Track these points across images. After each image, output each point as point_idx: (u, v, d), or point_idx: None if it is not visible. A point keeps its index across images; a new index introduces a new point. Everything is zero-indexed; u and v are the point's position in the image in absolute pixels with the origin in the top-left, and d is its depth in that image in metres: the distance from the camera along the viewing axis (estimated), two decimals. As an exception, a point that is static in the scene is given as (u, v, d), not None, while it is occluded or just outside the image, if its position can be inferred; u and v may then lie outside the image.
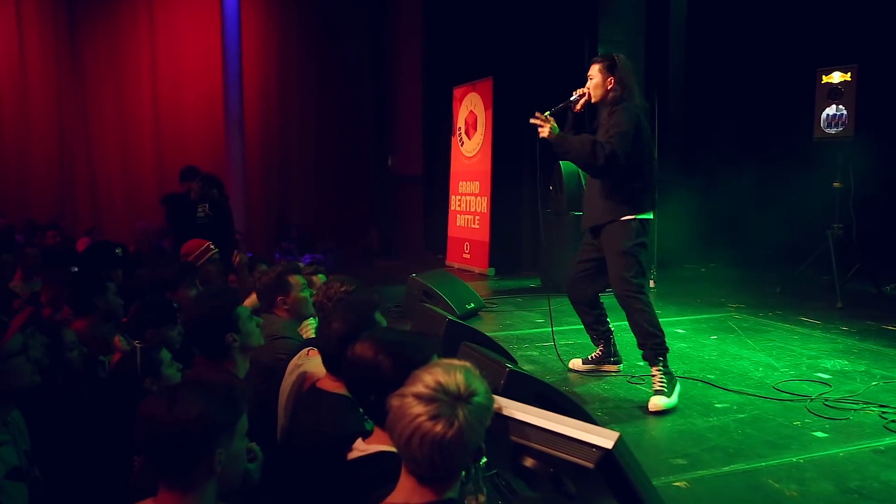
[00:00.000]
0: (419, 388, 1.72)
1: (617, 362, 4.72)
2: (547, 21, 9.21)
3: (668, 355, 4.13)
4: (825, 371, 4.53)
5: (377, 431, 2.20)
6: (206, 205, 7.59)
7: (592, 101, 4.33)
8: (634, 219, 4.23)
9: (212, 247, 5.73)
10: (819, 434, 3.53)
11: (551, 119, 4.15)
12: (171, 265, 5.07)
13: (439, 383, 1.72)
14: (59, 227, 8.97)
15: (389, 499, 1.76)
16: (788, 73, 8.16)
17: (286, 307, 4.24)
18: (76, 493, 2.88)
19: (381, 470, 2.06)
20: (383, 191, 13.94)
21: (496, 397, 2.25)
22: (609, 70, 4.25)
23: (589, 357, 4.76)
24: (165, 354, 3.26)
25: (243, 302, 3.52)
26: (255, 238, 12.72)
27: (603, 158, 4.03)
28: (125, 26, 12.71)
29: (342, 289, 3.52)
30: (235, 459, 1.91)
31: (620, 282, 4.21)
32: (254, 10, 13.20)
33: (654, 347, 4.12)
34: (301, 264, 5.00)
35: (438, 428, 1.66)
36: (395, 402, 1.73)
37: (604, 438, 1.96)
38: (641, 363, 4.38)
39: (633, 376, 4.56)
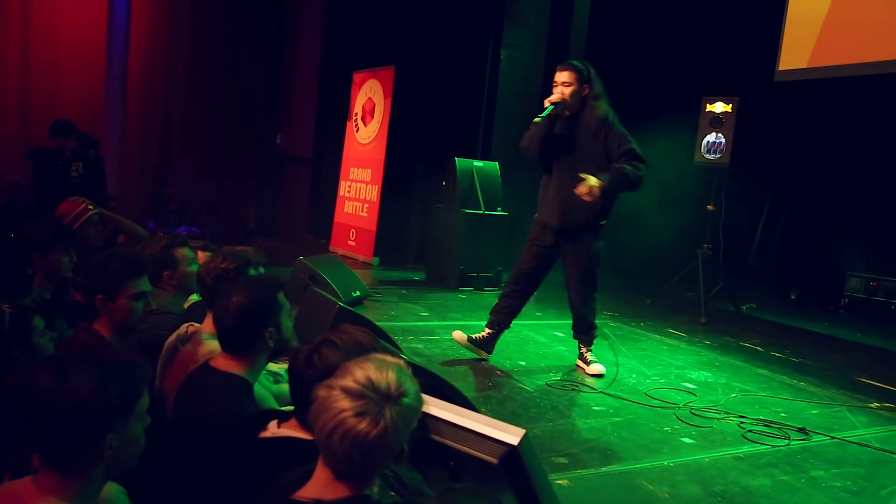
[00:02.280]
0: (348, 381, 1.66)
1: (490, 352, 4.93)
2: (453, 17, 9.29)
3: (548, 353, 4.51)
4: (691, 381, 4.80)
5: (293, 419, 2.17)
6: (80, 164, 7.22)
7: (570, 110, 4.58)
8: (603, 224, 4.74)
9: (90, 207, 5.44)
10: (686, 440, 3.74)
11: (592, 178, 4.38)
12: (42, 225, 4.79)
13: (370, 380, 1.67)
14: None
15: (302, 491, 1.71)
16: (677, 97, 8.55)
17: (172, 282, 4.10)
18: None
19: (290, 453, 2.05)
20: (269, 169, 13.63)
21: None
22: (583, 78, 4.56)
23: (474, 336, 4.89)
24: (38, 322, 3.08)
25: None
26: (128, 205, 12.15)
27: (639, 180, 4.52)
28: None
29: (222, 265, 3.32)
30: (132, 443, 1.77)
31: (587, 282, 4.80)
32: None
33: (593, 335, 4.94)
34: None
35: (362, 426, 1.62)
36: (321, 392, 1.67)
37: (510, 435, 2.01)
38: (523, 362, 4.58)
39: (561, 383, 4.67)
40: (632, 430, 3.83)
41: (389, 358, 1.81)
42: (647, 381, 4.76)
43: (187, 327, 3.23)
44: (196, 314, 3.47)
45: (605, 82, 8.69)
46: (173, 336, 3.22)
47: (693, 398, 4.43)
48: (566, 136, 4.61)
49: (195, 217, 12.29)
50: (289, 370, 2.15)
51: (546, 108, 4.53)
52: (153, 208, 12.45)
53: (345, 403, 1.64)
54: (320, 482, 1.71)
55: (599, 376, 4.75)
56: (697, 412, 4.16)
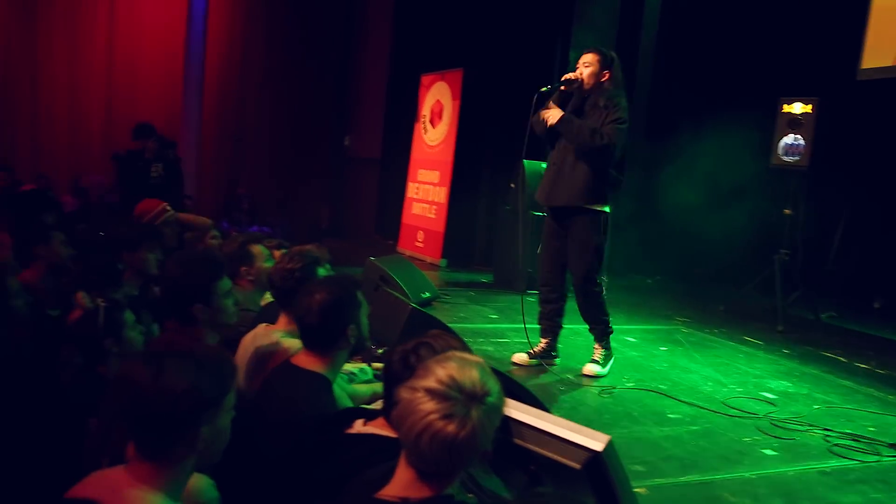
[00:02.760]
0: (431, 382, 1.65)
1: (555, 357, 4.85)
2: (521, 19, 9.24)
3: (619, 358, 4.50)
4: (770, 391, 4.64)
5: (380, 418, 2.18)
6: (161, 165, 7.44)
7: (584, 86, 4.50)
8: (602, 211, 4.53)
9: (168, 208, 5.60)
10: (768, 452, 3.61)
11: (554, 105, 4.46)
12: (127, 224, 4.95)
13: (453, 379, 1.66)
14: (10, 169, 8.63)
15: (386, 490, 1.71)
16: (751, 97, 8.34)
17: (250, 278, 4.21)
18: (20, 448, 2.78)
19: (375, 450, 2.06)
20: (338, 170, 13.81)
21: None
22: (606, 64, 4.48)
23: (533, 351, 4.82)
24: (129, 316, 3.18)
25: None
26: (204, 205, 12.46)
27: (601, 145, 4.31)
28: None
29: (288, 265, 3.35)
30: (219, 435, 1.84)
31: (586, 274, 4.56)
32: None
33: (603, 329, 4.68)
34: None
35: (451, 428, 1.61)
36: (405, 394, 1.67)
37: (594, 441, 1.98)
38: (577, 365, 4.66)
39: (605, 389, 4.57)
40: (710, 439, 3.72)
41: (470, 356, 1.80)
42: (723, 389, 4.62)
43: (264, 327, 3.28)
44: (270, 314, 3.51)
45: (676, 82, 8.58)
46: (250, 335, 3.27)
47: (773, 408, 4.28)
48: (573, 113, 4.54)
49: (266, 217, 12.53)
50: (384, 370, 2.16)
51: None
52: (225, 208, 12.74)
53: (430, 406, 1.63)
54: (403, 482, 1.71)
55: (592, 377, 4.58)
56: (779, 423, 4.01)
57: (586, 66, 4.49)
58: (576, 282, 4.62)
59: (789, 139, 7.18)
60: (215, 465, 2.08)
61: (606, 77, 4.47)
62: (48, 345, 3.59)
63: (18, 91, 12.09)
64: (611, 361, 4.72)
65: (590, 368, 4.62)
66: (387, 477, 1.76)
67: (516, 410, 2.18)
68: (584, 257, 4.55)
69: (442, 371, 1.68)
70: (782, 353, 5.70)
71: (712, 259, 8.81)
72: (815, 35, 7.98)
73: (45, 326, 3.78)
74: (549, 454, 2.07)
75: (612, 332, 4.75)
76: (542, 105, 4.57)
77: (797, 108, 7.14)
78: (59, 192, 9.87)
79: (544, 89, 4.52)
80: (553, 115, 4.44)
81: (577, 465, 2.00)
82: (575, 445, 2.01)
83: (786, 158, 7.19)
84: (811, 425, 4.01)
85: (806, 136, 7.06)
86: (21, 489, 2.51)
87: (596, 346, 4.70)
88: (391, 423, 2.09)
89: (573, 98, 4.57)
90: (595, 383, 4.54)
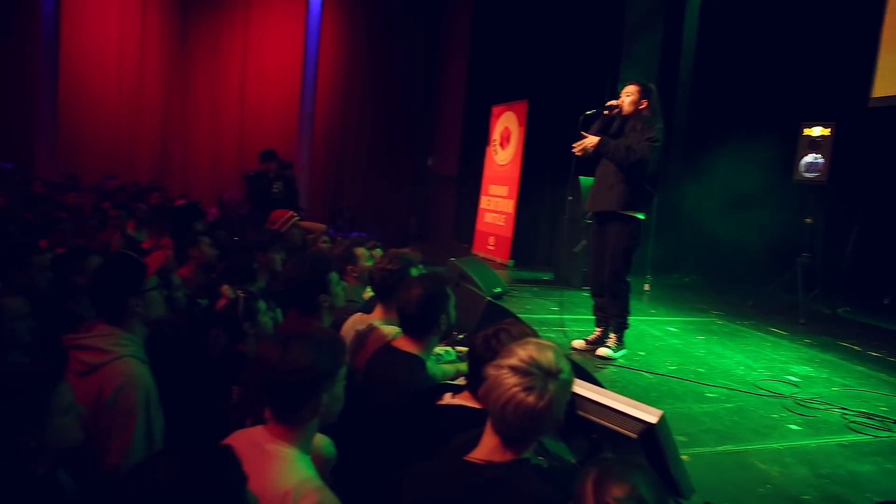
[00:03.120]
0: (514, 361, 1.66)
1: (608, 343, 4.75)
2: (577, 57, 9.15)
3: (662, 345, 4.23)
4: (794, 375, 4.49)
5: (466, 391, 2.21)
6: (281, 182, 7.63)
7: (623, 112, 4.46)
8: (635, 217, 4.46)
9: (294, 215, 5.77)
10: (794, 427, 3.51)
11: (588, 135, 4.47)
12: (259, 231, 5.11)
13: (533, 358, 1.67)
14: (161, 189, 9.02)
15: (474, 453, 1.71)
16: (774, 122, 8.09)
17: (354, 275, 4.27)
18: (178, 410, 2.90)
19: (462, 419, 2.08)
20: (422, 185, 13.93)
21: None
22: (645, 94, 4.42)
23: (589, 337, 4.77)
24: (262, 305, 3.27)
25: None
26: (312, 215, 12.75)
27: (634, 160, 4.28)
28: (225, 29, 12.70)
29: (388, 266, 3.37)
30: (336, 400, 1.87)
31: (614, 271, 4.51)
32: (331, 24, 13.17)
33: (621, 323, 4.61)
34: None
35: (531, 399, 1.62)
36: (491, 371, 1.68)
37: (649, 415, 1.97)
38: (642, 353, 4.46)
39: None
40: (743, 415, 3.63)
41: (544, 341, 1.81)
42: (753, 373, 4.49)
43: (360, 316, 3.33)
44: (371, 306, 3.56)
45: (710, 108, 8.38)
46: (349, 321, 3.33)
47: (797, 390, 4.14)
48: (614, 135, 4.50)
49: (364, 224, 12.71)
50: (468, 352, 2.18)
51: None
52: (331, 217, 12.99)
53: (514, 380, 1.64)
54: (489, 447, 1.70)
55: (604, 358, 4.52)
56: (802, 402, 3.89)
57: (627, 96, 4.45)
58: (606, 279, 4.57)
59: (809, 158, 6.93)
60: (331, 426, 2.15)
61: (644, 105, 4.40)
62: (199, 328, 3.75)
63: (173, 129, 12.67)
64: (623, 351, 4.63)
65: (602, 351, 4.58)
66: (472, 443, 1.77)
67: (581, 387, 2.18)
68: (614, 258, 4.50)
69: (523, 352, 1.69)
70: (804, 343, 5.50)
71: (742, 261, 8.57)
72: (832, 65, 7.68)
73: (196, 313, 3.95)
74: (610, 425, 2.06)
75: (627, 328, 4.66)
76: (587, 126, 4.55)
77: (816, 131, 6.89)
78: (204, 207, 10.27)
79: (589, 112, 4.53)
80: (590, 141, 4.43)
81: (633, 435, 1.99)
82: (632, 418, 2.00)
83: (806, 175, 6.95)
84: (830, 405, 3.88)
85: (825, 155, 6.81)
86: (177, 438, 2.63)
87: (611, 335, 4.63)
88: (476, 397, 2.12)
89: (615, 121, 4.53)
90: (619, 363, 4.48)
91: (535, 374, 1.65)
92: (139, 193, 8.47)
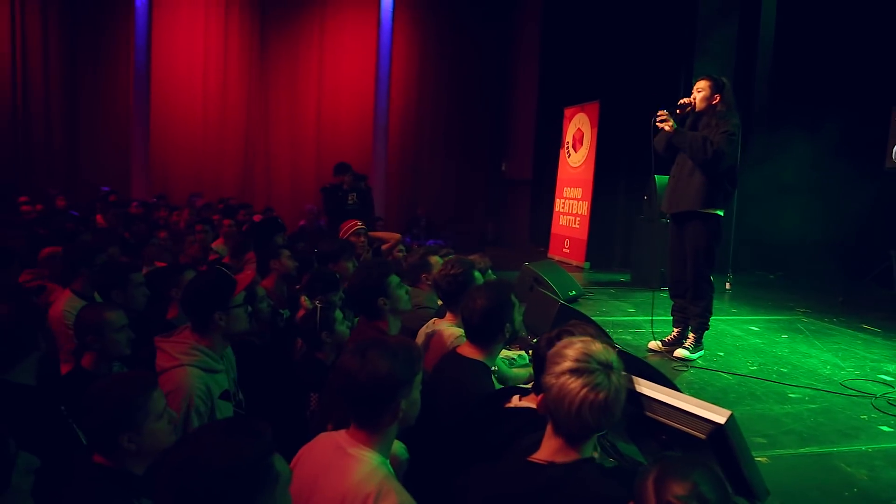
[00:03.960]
0: (570, 363, 1.65)
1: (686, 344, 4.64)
2: (648, 54, 8.99)
3: (743, 345, 4.07)
4: (887, 373, 4.25)
5: (532, 394, 2.24)
6: (355, 194, 7.82)
7: (696, 109, 4.37)
8: (715, 214, 4.35)
9: (358, 223, 5.92)
10: (885, 428, 3.34)
11: (670, 117, 4.32)
12: (331, 241, 5.28)
13: (587, 355, 1.66)
14: (249, 206, 9.45)
15: (537, 454, 1.72)
16: (862, 108, 7.70)
17: (429, 282, 4.34)
18: (262, 414, 3.03)
19: (530, 420, 2.11)
20: (497, 190, 13.97)
21: (630, 375, 2.27)
22: (717, 88, 4.32)
23: (666, 339, 4.69)
24: (338, 314, 3.38)
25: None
26: (390, 224, 13.01)
27: (711, 153, 4.17)
28: (301, 48, 13.20)
29: (451, 271, 3.42)
30: (413, 405, 1.92)
31: (697, 270, 4.41)
32: (403, 36, 13.44)
33: (702, 323, 4.49)
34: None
35: (602, 395, 1.62)
36: (551, 380, 1.67)
37: (717, 415, 1.95)
38: (721, 353, 4.35)
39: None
40: (828, 416, 3.48)
41: (583, 337, 1.80)
42: (841, 372, 4.29)
43: (434, 321, 3.40)
44: (443, 313, 3.63)
45: (791, 99, 8.08)
46: (424, 326, 3.40)
47: (890, 389, 3.93)
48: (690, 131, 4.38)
49: (440, 232, 12.86)
50: (533, 355, 2.22)
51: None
52: (407, 226, 13.21)
53: (578, 383, 1.63)
54: (552, 448, 1.71)
55: (681, 359, 4.41)
56: (895, 402, 3.71)
57: (699, 92, 4.35)
58: (691, 276, 4.47)
59: (903, 144, 6.58)
60: (406, 431, 2.22)
61: (717, 100, 4.30)
62: (282, 337, 3.93)
63: (256, 148, 13.25)
64: (700, 352, 4.51)
65: (680, 352, 4.47)
66: (537, 445, 1.79)
67: (649, 388, 2.18)
68: (696, 259, 4.40)
69: (573, 352, 1.68)
70: (900, 340, 5.23)
71: (831, 256, 8.18)
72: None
73: (278, 323, 4.13)
74: (678, 426, 2.06)
75: (708, 329, 4.55)
76: (657, 131, 4.48)
77: (910, 115, 6.53)
78: (286, 219, 10.69)
79: (659, 120, 4.37)
80: (668, 126, 4.33)
81: (702, 436, 1.98)
82: (700, 419, 1.99)
83: (900, 162, 6.59)
84: (928, 405, 3.68)
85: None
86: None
87: (690, 335, 4.53)
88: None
89: (688, 119, 4.44)
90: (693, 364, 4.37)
91: (596, 369, 1.65)
92: (227, 210, 8.91)
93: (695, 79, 4.55)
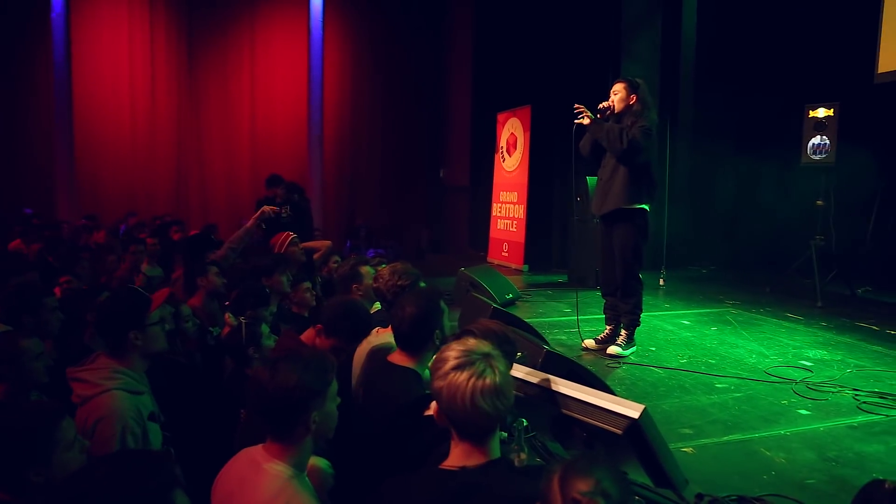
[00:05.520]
0: (452, 362, 1.70)
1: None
2: (577, 59, 9.18)
3: (674, 339, 4.17)
4: (808, 359, 4.47)
5: None
6: (288, 207, 7.70)
7: (615, 111, 4.52)
8: (641, 209, 4.48)
9: (291, 235, 5.85)
10: (803, 412, 3.50)
11: (587, 111, 4.52)
12: (264, 255, 5.19)
13: (466, 350, 1.72)
14: (182, 223, 9.21)
15: (447, 461, 1.74)
16: (779, 106, 8.05)
17: (360, 293, 4.31)
18: (192, 435, 2.98)
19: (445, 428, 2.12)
20: (435, 197, 14.01)
21: (548, 375, 2.31)
22: (633, 89, 4.48)
23: (599, 337, 4.80)
24: (264, 328, 3.36)
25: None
26: (329, 235, 12.89)
27: (626, 142, 4.32)
28: (231, 58, 12.89)
29: (398, 282, 3.40)
30: (328, 418, 1.91)
31: (625, 269, 4.55)
32: (335, 46, 13.33)
33: (633, 320, 4.61)
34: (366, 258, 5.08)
35: (489, 380, 1.67)
36: (439, 384, 1.71)
37: (631, 410, 2.00)
38: (653, 348, 4.47)
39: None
40: (751, 403, 3.63)
41: (471, 340, 1.83)
42: (766, 360, 4.47)
43: (377, 330, 3.38)
44: (376, 321, 3.60)
45: (715, 96, 8.34)
46: (366, 338, 3.37)
47: (809, 374, 4.13)
48: None
49: (380, 240, 12.81)
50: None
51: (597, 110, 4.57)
52: (347, 236, 13.12)
53: (465, 375, 1.68)
54: (461, 453, 1.73)
55: (614, 356, 4.54)
56: (814, 387, 3.87)
57: (615, 94, 4.51)
58: (619, 278, 4.59)
59: (816, 140, 6.89)
60: (330, 443, 2.20)
61: (634, 100, 4.45)
62: (213, 355, 3.85)
63: (188, 163, 12.90)
64: (633, 348, 4.63)
65: (613, 349, 4.59)
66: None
67: (566, 387, 2.23)
68: (624, 257, 4.52)
69: (452, 352, 1.74)
70: (820, 326, 5.47)
71: (758, 248, 8.52)
72: (833, 45, 7.63)
73: (207, 341, 4.05)
74: (596, 423, 2.11)
75: (639, 325, 4.67)
76: (581, 135, 4.61)
77: (821, 112, 6.85)
78: (222, 234, 10.45)
79: (578, 120, 4.58)
80: (585, 120, 4.51)
81: (619, 431, 2.03)
82: (615, 414, 2.04)
83: (814, 157, 6.91)
84: (842, 387, 3.86)
85: (830, 136, 6.77)
86: (190, 462, 2.72)
87: (622, 332, 4.64)
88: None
89: (609, 121, 4.56)
90: (622, 361, 4.49)
91: (477, 359, 1.70)
92: (160, 229, 8.67)
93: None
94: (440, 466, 1.74)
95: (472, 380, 1.67)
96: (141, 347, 2.58)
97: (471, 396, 1.66)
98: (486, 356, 1.72)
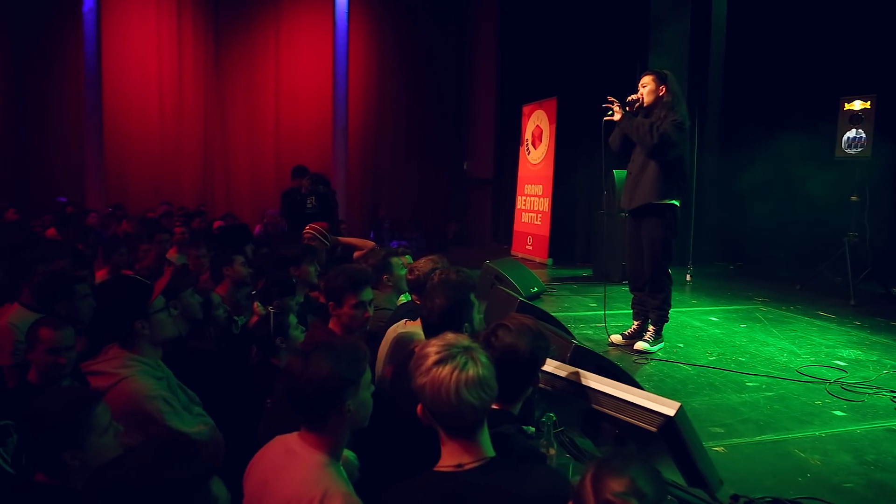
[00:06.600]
0: (433, 358, 1.67)
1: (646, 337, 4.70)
2: (604, 50, 9.09)
3: (702, 335, 4.12)
4: (841, 359, 4.36)
5: None
6: (314, 198, 7.72)
7: (644, 104, 4.45)
8: (671, 205, 4.41)
9: (316, 226, 5.82)
10: (838, 413, 3.41)
11: (619, 105, 4.46)
12: (292, 245, 5.20)
13: (445, 345, 1.70)
14: (204, 213, 9.30)
15: (441, 463, 1.70)
16: (813, 98, 7.89)
17: (390, 284, 4.32)
18: (218, 422, 2.99)
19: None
20: (459, 190, 13.98)
21: (577, 369, 2.27)
22: (661, 80, 4.41)
23: (626, 332, 4.75)
24: (292, 319, 3.36)
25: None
26: (353, 227, 12.91)
27: (657, 137, 4.25)
28: (257, 52, 12.97)
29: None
30: (363, 406, 1.91)
31: (655, 263, 4.48)
32: (359, 39, 13.33)
33: (661, 315, 4.55)
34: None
35: (472, 372, 1.65)
36: (422, 381, 1.68)
37: (667, 407, 1.96)
38: (681, 344, 4.40)
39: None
40: (784, 403, 3.55)
41: (449, 335, 1.80)
42: (797, 359, 4.38)
43: (405, 321, 3.38)
44: (404, 313, 3.60)
45: (744, 90, 8.19)
46: (393, 327, 3.37)
47: (844, 374, 4.04)
48: None
49: (403, 233, 12.82)
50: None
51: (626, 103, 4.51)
52: (371, 228, 13.14)
53: (447, 369, 1.65)
54: (454, 452, 1.70)
55: (641, 352, 4.47)
56: (848, 387, 3.79)
57: (643, 87, 4.45)
58: (647, 273, 4.54)
59: (851, 133, 6.75)
60: (356, 434, 2.20)
61: (663, 91, 4.38)
62: (238, 344, 3.88)
63: (214, 153, 12.99)
64: (660, 344, 4.57)
65: (640, 345, 4.52)
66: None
67: (599, 382, 2.19)
68: (653, 252, 4.47)
69: (431, 348, 1.71)
70: (854, 325, 5.35)
71: (788, 244, 8.36)
72: (870, 36, 7.45)
73: (233, 330, 4.08)
74: (630, 419, 2.07)
75: (667, 321, 4.61)
76: (610, 131, 4.55)
77: (857, 104, 6.71)
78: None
79: (608, 116, 4.52)
80: (616, 114, 4.45)
81: (653, 429, 1.99)
82: (650, 412, 2.00)
83: (849, 151, 6.76)
84: (879, 388, 3.77)
85: (867, 129, 6.62)
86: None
87: (650, 327, 4.58)
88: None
89: (639, 115, 4.49)
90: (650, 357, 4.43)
91: (457, 353, 1.68)
92: (186, 218, 8.75)
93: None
94: (434, 469, 1.70)
95: (456, 373, 1.64)
96: (149, 336, 2.59)
97: (455, 390, 1.63)
98: (467, 349, 1.70)
